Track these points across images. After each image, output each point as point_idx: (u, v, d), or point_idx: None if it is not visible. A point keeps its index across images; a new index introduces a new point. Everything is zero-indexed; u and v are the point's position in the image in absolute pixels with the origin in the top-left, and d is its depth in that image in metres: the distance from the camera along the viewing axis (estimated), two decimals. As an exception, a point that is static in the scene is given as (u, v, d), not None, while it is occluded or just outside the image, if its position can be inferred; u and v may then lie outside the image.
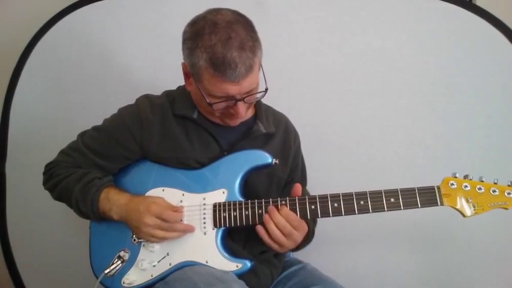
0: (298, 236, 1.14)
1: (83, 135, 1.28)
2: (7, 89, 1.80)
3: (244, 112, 1.15)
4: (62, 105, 1.79)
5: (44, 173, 1.29)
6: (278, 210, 1.12)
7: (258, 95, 1.15)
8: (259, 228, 1.12)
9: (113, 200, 1.18)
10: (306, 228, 1.17)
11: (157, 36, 1.76)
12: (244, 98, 1.11)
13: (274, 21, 1.69)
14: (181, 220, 1.17)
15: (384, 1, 1.71)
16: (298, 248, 1.27)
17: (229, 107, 1.13)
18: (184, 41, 1.11)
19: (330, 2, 1.72)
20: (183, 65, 1.16)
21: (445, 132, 1.67)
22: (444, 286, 1.67)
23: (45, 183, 1.28)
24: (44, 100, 1.80)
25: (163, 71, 1.72)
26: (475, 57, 1.66)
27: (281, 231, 1.11)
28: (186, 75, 1.17)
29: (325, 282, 1.25)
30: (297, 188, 1.16)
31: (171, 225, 1.15)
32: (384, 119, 1.69)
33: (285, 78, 1.68)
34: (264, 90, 1.14)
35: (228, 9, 1.11)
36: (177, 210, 1.17)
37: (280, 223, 1.11)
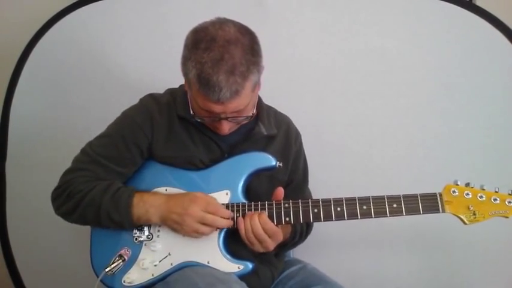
0: (271, 244, 1.15)
1: (90, 146, 1.23)
2: (7, 89, 1.79)
3: (228, 129, 1.14)
4: (62, 106, 1.79)
5: (57, 197, 1.20)
6: (258, 216, 1.13)
7: (242, 118, 1.13)
8: (240, 221, 1.14)
9: (150, 201, 1.15)
10: (280, 238, 1.18)
11: (157, 36, 1.76)
12: (229, 117, 1.10)
13: (274, 21, 1.69)
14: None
15: (384, 1, 1.71)
16: (285, 248, 1.29)
17: (214, 121, 1.13)
18: (184, 47, 1.09)
19: (330, 2, 1.72)
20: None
21: (445, 132, 1.67)
22: (444, 286, 1.68)
23: (62, 205, 1.20)
24: (44, 100, 1.80)
25: (163, 71, 1.71)
26: (475, 57, 1.66)
27: (255, 236, 1.12)
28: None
29: (325, 282, 1.26)
30: (279, 192, 1.17)
31: (215, 219, 1.13)
32: (384, 119, 1.70)
33: (285, 78, 1.68)
34: (250, 115, 1.14)
35: (234, 25, 1.07)
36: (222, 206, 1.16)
37: (254, 227, 1.12)
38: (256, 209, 1.15)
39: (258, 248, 1.15)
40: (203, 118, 1.13)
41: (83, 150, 1.24)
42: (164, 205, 1.15)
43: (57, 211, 1.22)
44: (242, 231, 1.13)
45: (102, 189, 1.16)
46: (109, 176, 1.20)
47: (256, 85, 1.11)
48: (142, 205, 1.15)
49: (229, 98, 1.03)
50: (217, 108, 1.06)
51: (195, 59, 1.03)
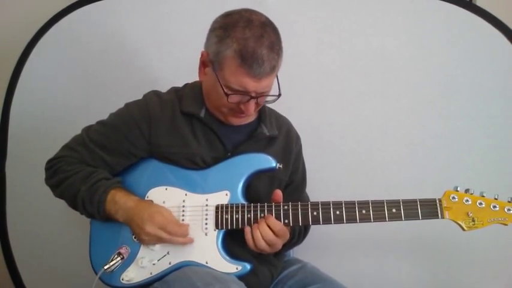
0: (280, 244, 1.17)
1: (88, 129, 1.27)
2: (7, 89, 1.80)
3: (253, 111, 1.16)
4: (62, 105, 1.79)
5: (48, 169, 1.25)
6: (266, 220, 1.14)
7: (270, 98, 1.17)
8: (247, 231, 1.14)
9: (120, 203, 1.17)
10: (288, 235, 1.19)
11: (158, 35, 1.76)
12: (258, 97, 1.13)
13: (274, 21, 1.68)
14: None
15: (384, 1, 1.71)
16: (283, 249, 1.28)
17: (241, 103, 1.14)
18: (213, 29, 1.13)
19: (330, 2, 1.72)
20: (203, 53, 1.17)
21: (445, 132, 1.67)
22: (444, 287, 1.68)
23: (48, 179, 1.25)
24: (44, 100, 1.80)
25: (164, 70, 1.72)
26: (475, 57, 1.66)
27: (266, 242, 1.13)
28: (203, 64, 1.18)
29: (325, 281, 1.26)
30: (277, 194, 1.17)
31: (172, 238, 1.15)
32: (384, 119, 1.70)
33: (285, 78, 1.66)
34: (277, 94, 1.16)
35: (262, 14, 1.15)
36: (182, 225, 1.17)
37: (264, 233, 1.13)
38: (255, 210, 1.15)
39: (268, 251, 1.16)
40: (233, 95, 1.12)
41: (82, 131, 1.28)
42: (130, 211, 1.16)
43: (45, 181, 1.27)
44: (250, 242, 1.14)
45: (83, 177, 1.19)
46: (94, 162, 1.23)
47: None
48: (113, 205, 1.17)
49: (268, 73, 1.09)
50: (251, 85, 1.09)
51: (235, 36, 1.07)
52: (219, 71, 1.11)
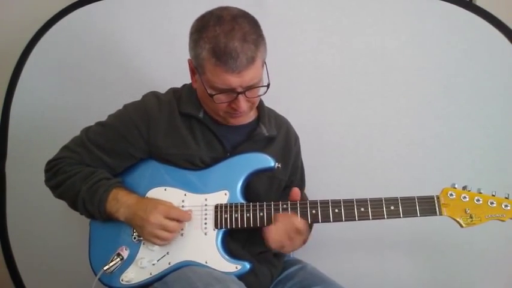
0: (301, 240, 1.16)
1: (87, 130, 1.26)
2: (7, 89, 1.80)
3: (246, 107, 1.15)
4: (62, 105, 1.79)
5: (47, 170, 1.26)
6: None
7: (260, 91, 1.14)
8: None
9: (122, 201, 1.17)
10: (306, 232, 1.18)
11: (157, 36, 1.76)
12: (246, 92, 1.11)
13: (274, 21, 1.69)
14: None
15: (384, 1, 1.71)
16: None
17: (231, 102, 1.13)
18: (190, 35, 1.12)
19: (330, 2, 1.72)
20: (189, 61, 1.17)
21: (445, 132, 1.67)
22: (444, 286, 1.68)
23: (48, 180, 1.25)
24: (44, 100, 1.80)
25: (164, 70, 1.72)
26: (475, 57, 1.66)
27: (285, 229, 1.13)
28: (192, 71, 1.18)
29: (325, 282, 1.26)
30: (295, 192, 1.17)
31: (177, 224, 1.15)
32: (384, 119, 1.70)
33: (284, 78, 1.68)
34: (266, 85, 1.14)
35: (236, 7, 1.12)
36: (185, 211, 1.17)
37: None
38: (254, 209, 1.16)
39: (288, 248, 1.16)
40: (220, 94, 1.11)
41: (81, 132, 1.27)
42: (132, 207, 1.16)
43: (45, 183, 1.27)
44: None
45: (84, 177, 1.19)
46: (94, 163, 1.23)
47: (263, 64, 1.13)
48: (115, 203, 1.17)
49: (246, 65, 1.06)
50: (233, 80, 1.07)
51: (206, 36, 1.06)
52: (202, 74, 1.11)
